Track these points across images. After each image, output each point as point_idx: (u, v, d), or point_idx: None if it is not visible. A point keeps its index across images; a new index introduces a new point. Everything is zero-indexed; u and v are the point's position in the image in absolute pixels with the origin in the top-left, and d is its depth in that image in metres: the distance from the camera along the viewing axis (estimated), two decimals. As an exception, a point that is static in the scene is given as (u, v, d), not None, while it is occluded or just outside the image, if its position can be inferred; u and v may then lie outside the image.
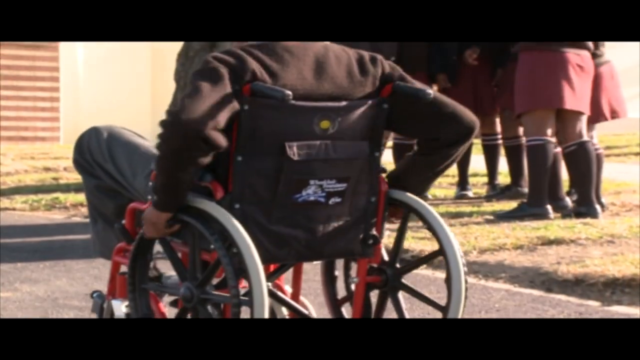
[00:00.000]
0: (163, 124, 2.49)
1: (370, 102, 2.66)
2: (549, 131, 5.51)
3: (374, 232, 2.80)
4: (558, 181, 5.80)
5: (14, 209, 7.18)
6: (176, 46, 8.40)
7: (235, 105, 2.51)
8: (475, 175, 7.43)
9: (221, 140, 2.47)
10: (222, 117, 2.47)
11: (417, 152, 2.82)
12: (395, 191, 2.81)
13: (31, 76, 12.73)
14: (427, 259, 3.14)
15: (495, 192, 6.51)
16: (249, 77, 2.53)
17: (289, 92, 2.47)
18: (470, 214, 5.86)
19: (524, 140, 5.95)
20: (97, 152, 2.94)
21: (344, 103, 2.62)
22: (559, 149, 5.69)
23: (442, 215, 3.29)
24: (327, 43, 2.69)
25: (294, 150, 2.57)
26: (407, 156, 2.88)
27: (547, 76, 5.44)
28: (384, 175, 2.81)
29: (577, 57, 5.51)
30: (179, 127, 2.45)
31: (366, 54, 2.71)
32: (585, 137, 5.57)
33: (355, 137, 2.66)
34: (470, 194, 6.58)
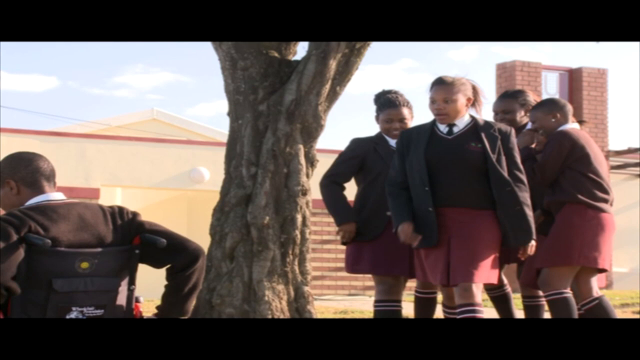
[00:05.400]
0: None
1: (123, 247, 3.48)
2: (568, 286, 5.42)
3: None
4: None
5: None
6: (211, 198, 8.54)
7: (21, 252, 3.26)
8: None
9: (16, 287, 3.24)
10: (14, 266, 3.23)
11: (167, 280, 3.58)
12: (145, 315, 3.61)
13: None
14: None
15: None
16: (26, 230, 3.28)
17: (48, 241, 3.28)
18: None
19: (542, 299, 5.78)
20: None
21: (99, 249, 3.41)
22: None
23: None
24: (87, 202, 3.50)
25: (58, 285, 3.32)
26: (165, 286, 3.59)
27: (595, 235, 5.37)
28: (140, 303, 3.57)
29: (610, 216, 5.47)
30: None
31: (116, 209, 3.54)
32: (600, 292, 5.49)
33: (110, 274, 3.43)
34: None
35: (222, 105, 40.81)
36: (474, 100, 5.13)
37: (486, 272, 4.85)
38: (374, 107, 5.85)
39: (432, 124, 5.11)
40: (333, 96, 8.11)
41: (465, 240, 4.87)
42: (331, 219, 6.27)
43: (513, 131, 5.12)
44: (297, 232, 7.97)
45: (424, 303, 5.81)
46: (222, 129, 20.12)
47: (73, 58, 34.14)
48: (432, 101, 5.06)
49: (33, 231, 3.32)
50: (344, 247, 5.70)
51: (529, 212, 4.95)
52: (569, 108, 5.63)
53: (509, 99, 5.92)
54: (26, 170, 3.52)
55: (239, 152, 8.03)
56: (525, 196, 4.97)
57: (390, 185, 5.11)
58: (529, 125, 5.80)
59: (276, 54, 8.11)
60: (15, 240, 3.26)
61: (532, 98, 5.96)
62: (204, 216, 9.24)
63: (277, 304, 7.64)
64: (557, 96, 16.51)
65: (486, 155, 4.93)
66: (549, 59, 44.40)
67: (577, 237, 5.34)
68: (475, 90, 5.13)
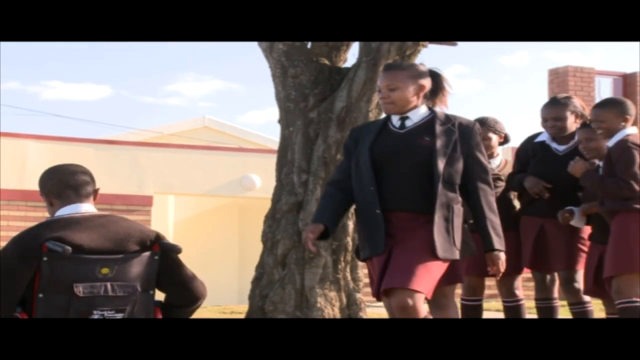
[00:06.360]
0: None
1: (144, 254, 3.57)
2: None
3: None
4: None
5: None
6: (263, 206, 8.56)
7: (26, 274, 3.38)
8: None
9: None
10: (17, 295, 3.39)
11: (162, 308, 3.68)
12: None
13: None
14: None
15: None
16: (43, 240, 3.40)
17: (69, 248, 3.38)
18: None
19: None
20: None
21: (121, 255, 3.52)
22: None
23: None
24: (115, 215, 3.62)
25: (79, 289, 3.44)
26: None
27: None
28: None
29: None
30: None
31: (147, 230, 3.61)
32: None
33: (130, 279, 3.53)
34: None
35: (273, 112, 40.94)
36: (436, 89, 4.43)
37: (424, 283, 4.14)
38: None
39: (387, 117, 4.45)
40: (384, 103, 8.13)
41: (406, 248, 4.18)
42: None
43: (477, 126, 4.42)
44: (349, 239, 7.99)
45: (469, 311, 5.78)
46: (273, 136, 20.17)
47: (125, 67, 34.50)
48: (378, 90, 4.41)
49: (53, 239, 3.45)
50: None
51: (488, 216, 4.32)
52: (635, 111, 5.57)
53: (560, 106, 5.83)
54: (52, 183, 3.64)
55: (290, 160, 8.07)
56: (483, 199, 4.33)
57: (328, 184, 4.51)
58: (576, 134, 5.70)
59: (326, 61, 8.13)
60: (16, 274, 3.41)
61: (580, 104, 5.89)
62: (256, 223, 9.26)
63: (329, 310, 7.65)
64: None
65: (433, 150, 4.25)
66: (602, 64, 43.86)
67: (635, 244, 5.26)
68: (437, 77, 4.43)
